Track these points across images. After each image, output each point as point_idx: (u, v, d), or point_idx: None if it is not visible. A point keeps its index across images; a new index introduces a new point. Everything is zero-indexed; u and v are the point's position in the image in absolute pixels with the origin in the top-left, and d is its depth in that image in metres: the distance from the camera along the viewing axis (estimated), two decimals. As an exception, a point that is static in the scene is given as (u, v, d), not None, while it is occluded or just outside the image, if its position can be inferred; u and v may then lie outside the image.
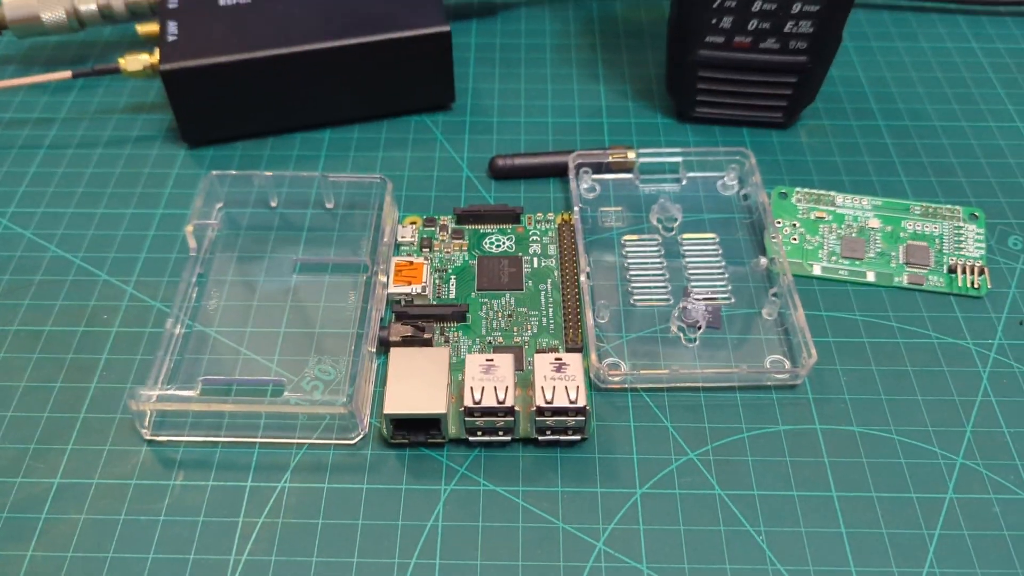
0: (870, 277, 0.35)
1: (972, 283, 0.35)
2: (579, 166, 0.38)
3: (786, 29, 0.37)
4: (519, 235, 0.37)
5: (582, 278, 0.34)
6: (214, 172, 0.37)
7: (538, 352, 0.31)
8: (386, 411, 0.29)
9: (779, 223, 0.37)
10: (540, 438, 0.30)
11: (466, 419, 0.29)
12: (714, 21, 0.38)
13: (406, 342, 0.32)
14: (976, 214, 0.37)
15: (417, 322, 0.33)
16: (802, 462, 0.30)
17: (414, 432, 0.30)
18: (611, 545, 0.28)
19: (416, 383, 0.30)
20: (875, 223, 0.37)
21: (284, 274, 0.35)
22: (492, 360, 0.30)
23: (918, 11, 0.49)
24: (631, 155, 0.39)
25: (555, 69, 0.46)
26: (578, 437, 0.30)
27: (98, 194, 0.39)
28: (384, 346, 0.33)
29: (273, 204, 0.38)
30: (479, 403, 0.29)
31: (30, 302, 0.35)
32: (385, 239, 0.35)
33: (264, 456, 0.30)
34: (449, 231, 0.37)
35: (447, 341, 0.33)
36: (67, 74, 0.41)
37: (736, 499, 0.29)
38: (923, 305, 0.35)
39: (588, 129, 0.42)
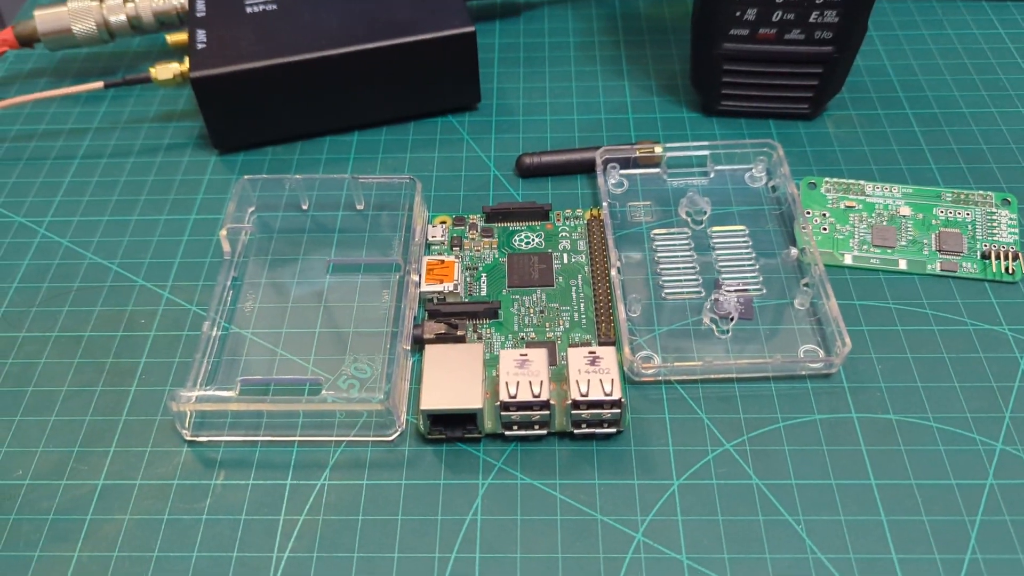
0: (902, 265, 0.35)
1: (1007, 269, 0.35)
2: (606, 162, 0.38)
3: (811, 20, 0.37)
4: (548, 232, 0.37)
5: (613, 273, 0.34)
6: (246, 177, 0.37)
7: (571, 346, 0.31)
8: (423, 406, 0.29)
9: (808, 213, 0.37)
10: (575, 431, 0.30)
11: (502, 413, 0.30)
12: (738, 14, 0.38)
13: (440, 339, 0.33)
14: (1008, 199, 0.37)
15: (450, 319, 0.33)
16: (839, 451, 0.30)
17: (451, 427, 0.30)
18: (650, 536, 0.28)
19: (452, 379, 0.30)
20: (906, 211, 0.37)
21: (317, 275, 0.36)
22: (526, 355, 0.30)
23: (943, -1, 0.49)
24: (658, 149, 0.39)
25: (579, 67, 0.46)
26: (614, 430, 0.30)
27: (132, 202, 0.40)
28: (418, 344, 0.33)
29: (304, 207, 0.38)
30: (514, 397, 0.29)
31: (69, 309, 0.35)
32: (416, 238, 0.35)
33: (303, 454, 0.31)
34: (479, 229, 0.37)
35: (480, 338, 0.33)
36: (99, 84, 0.42)
37: (774, 488, 0.29)
38: (957, 292, 0.34)
39: (614, 125, 0.42)
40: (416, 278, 0.34)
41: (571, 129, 0.42)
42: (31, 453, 0.31)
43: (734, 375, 0.32)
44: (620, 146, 0.39)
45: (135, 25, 0.44)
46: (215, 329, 0.33)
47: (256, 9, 0.42)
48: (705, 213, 0.37)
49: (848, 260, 0.35)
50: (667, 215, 0.37)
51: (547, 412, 0.29)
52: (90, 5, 0.43)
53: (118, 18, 0.44)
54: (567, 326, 0.33)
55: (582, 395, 0.29)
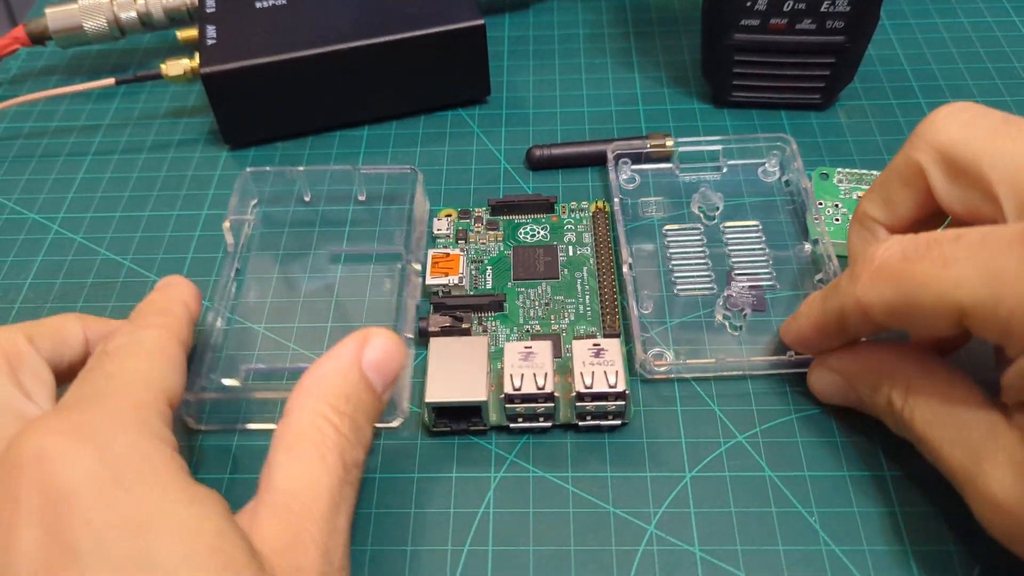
0: (916, 256, 0.35)
1: (1021, 258, 0.34)
2: (618, 157, 0.38)
3: (822, 9, 0.37)
4: (554, 224, 0.37)
5: (625, 270, 0.34)
6: (249, 169, 0.38)
7: (575, 339, 0.31)
8: (427, 399, 0.29)
9: (821, 204, 0.37)
10: (580, 424, 0.30)
11: (506, 406, 0.30)
12: (749, 4, 0.37)
13: (445, 332, 0.33)
14: (1023, 189, 0.37)
15: (455, 312, 0.33)
16: (853, 442, 0.30)
17: (456, 420, 0.30)
18: (663, 528, 0.28)
19: (456, 372, 0.30)
20: (919, 201, 0.36)
21: (319, 266, 0.36)
22: (531, 347, 0.30)
23: (956, -14, 0.48)
24: (669, 143, 0.38)
25: (589, 59, 0.46)
26: (618, 422, 0.30)
27: (144, 198, 0.40)
28: (423, 336, 0.33)
29: (307, 199, 0.38)
30: (519, 390, 0.29)
31: (83, 304, 0.36)
32: (418, 229, 0.35)
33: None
34: (484, 222, 0.37)
35: (485, 331, 0.33)
36: (110, 81, 0.42)
37: (786, 480, 0.29)
38: (971, 282, 0.34)
39: (624, 117, 0.42)
40: (418, 267, 0.34)
41: (581, 121, 0.42)
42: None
43: (747, 372, 0.32)
44: (632, 139, 0.39)
45: (145, 21, 0.44)
46: (219, 320, 0.34)
47: (266, 4, 0.42)
48: (718, 208, 0.37)
49: (861, 251, 0.35)
50: (679, 208, 0.37)
51: (551, 405, 0.30)
52: (101, 2, 0.44)
53: (129, 15, 0.44)
54: (572, 318, 0.33)
55: (586, 387, 0.29)
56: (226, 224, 0.35)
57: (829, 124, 0.41)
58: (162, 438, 0.23)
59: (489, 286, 0.35)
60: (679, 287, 0.34)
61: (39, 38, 0.44)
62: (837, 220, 0.36)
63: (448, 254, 0.35)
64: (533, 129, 0.42)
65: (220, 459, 0.31)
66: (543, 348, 0.30)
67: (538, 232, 0.37)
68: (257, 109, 0.40)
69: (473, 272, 0.35)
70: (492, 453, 0.30)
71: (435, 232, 0.37)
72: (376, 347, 0.25)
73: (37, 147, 0.43)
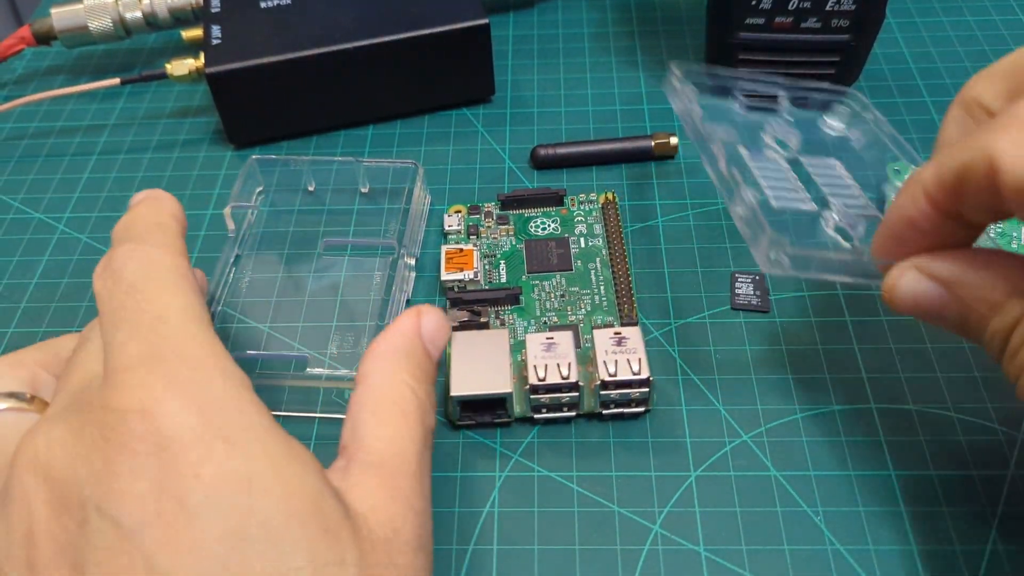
0: (922, 254, 0.35)
1: (1028, 257, 0.34)
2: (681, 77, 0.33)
3: (828, 7, 0.37)
4: (564, 217, 0.37)
5: (721, 166, 0.29)
6: (254, 156, 0.38)
7: (595, 328, 0.31)
8: (453, 393, 0.30)
9: (826, 203, 0.36)
10: (604, 412, 0.30)
11: (531, 397, 0.30)
12: (754, 2, 0.37)
13: (463, 327, 0.33)
14: (1029, 187, 0.36)
15: (472, 307, 0.33)
16: (858, 442, 0.30)
17: (480, 413, 0.30)
18: (668, 528, 0.28)
19: (480, 365, 0.30)
20: (925, 200, 0.36)
21: (317, 256, 0.36)
22: (552, 338, 0.30)
23: (962, -15, 0.48)
24: (674, 141, 0.39)
25: (594, 58, 0.46)
26: (642, 409, 0.30)
27: (149, 197, 0.40)
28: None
29: (311, 188, 0.39)
30: (544, 380, 0.29)
31: (88, 304, 0.36)
32: (415, 223, 0.36)
33: (325, 428, 0.31)
34: (494, 217, 0.37)
35: (502, 324, 0.33)
36: (115, 81, 0.42)
37: (792, 480, 0.29)
38: (977, 281, 0.34)
39: (629, 116, 0.42)
40: (411, 262, 0.35)
41: (586, 120, 0.42)
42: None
43: (872, 280, 0.26)
44: (636, 138, 0.39)
45: (151, 21, 0.44)
46: (217, 307, 0.34)
47: (270, 4, 0.42)
48: (791, 145, 0.34)
49: (866, 250, 0.35)
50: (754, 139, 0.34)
51: (576, 394, 0.30)
52: (106, 2, 0.44)
53: (134, 15, 0.44)
54: (588, 309, 0.33)
55: (610, 375, 0.29)
56: (227, 210, 0.36)
57: (834, 123, 0.41)
58: (243, 383, 0.22)
59: (503, 280, 0.35)
60: (774, 198, 0.31)
61: (44, 38, 0.44)
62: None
63: (461, 249, 0.35)
64: (537, 128, 0.42)
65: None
66: (564, 338, 0.30)
67: (548, 225, 0.37)
68: (262, 109, 0.41)
69: (487, 267, 0.35)
70: (497, 452, 0.30)
71: (446, 228, 0.37)
72: (430, 320, 0.26)
73: (42, 147, 0.43)
